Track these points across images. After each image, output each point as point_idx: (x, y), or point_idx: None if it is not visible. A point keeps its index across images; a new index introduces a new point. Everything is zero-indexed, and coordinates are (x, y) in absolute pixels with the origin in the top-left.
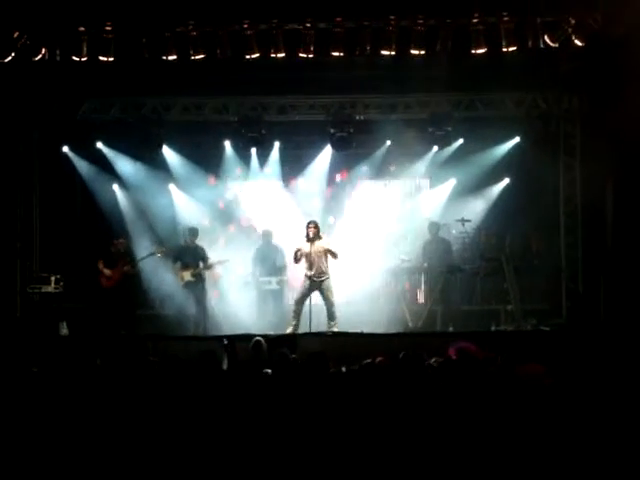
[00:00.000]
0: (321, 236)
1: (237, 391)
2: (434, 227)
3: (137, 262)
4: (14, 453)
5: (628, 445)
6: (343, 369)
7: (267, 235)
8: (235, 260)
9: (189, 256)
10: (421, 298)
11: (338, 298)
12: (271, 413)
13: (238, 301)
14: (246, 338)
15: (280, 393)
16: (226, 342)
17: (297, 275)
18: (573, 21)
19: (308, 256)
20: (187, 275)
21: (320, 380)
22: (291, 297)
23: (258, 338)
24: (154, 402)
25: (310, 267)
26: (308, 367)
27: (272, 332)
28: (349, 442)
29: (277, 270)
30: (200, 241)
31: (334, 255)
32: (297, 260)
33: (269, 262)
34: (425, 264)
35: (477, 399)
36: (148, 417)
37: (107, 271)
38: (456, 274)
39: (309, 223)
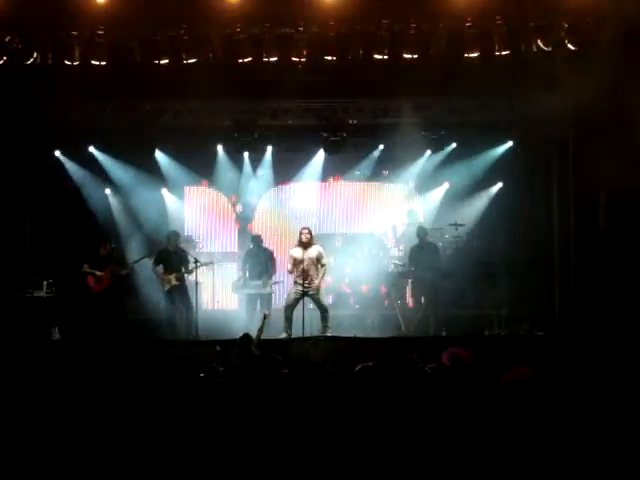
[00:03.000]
0: (314, 242)
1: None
2: (422, 232)
3: (131, 264)
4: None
5: (620, 448)
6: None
7: (257, 239)
8: (226, 263)
9: (172, 260)
10: (413, 303)
11: (331, 302)
12: (268, 418)
13: (228, 305)
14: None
15: (273, 399)
16: (219, 348)
17: (288, 279)
18: (566, 25)
19: (300, 262)
20: (172, 279)
21: (313, 386)
22: (281, 301)
23: (246, 332)
24: (150, 408)
25: (301, 273)
26: (300, 373)
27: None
28: (343, 448)
29: (267, 274)
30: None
31: (322, 266)
32: (292, 271)
33: (259, 266)
34: (412, 268)
35: (470, 405)
36: (142, 424)
37: (98, 273)
38: (447, 279)
39: (303, 229)
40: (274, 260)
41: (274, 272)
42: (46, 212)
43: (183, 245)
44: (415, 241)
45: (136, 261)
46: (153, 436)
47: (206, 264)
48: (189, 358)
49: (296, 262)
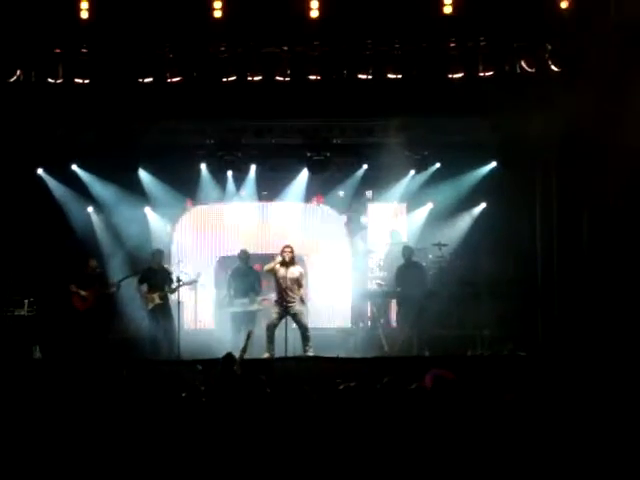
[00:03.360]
0: (295, 262)
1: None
2: (407, 251)
3: (116, 283)
4: None
5: (604, 468)
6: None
7: (244, 256)
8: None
9: (156, 278)
10: (397, 322)
11: (313, 322)
12: (251, 437)
13: (212, 323)
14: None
15: (256, 418)
16: (200, 368)
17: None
18: (550, 47)
19: (283, 280)
20: (155, 298)
21: (297, 406)
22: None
23: (229, 352)
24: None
25: (282, 292)
26: (283, 394)
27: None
28: (325, 467)
29: (254, 292)
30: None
31: (300, 286)
32: (269, 267)
33: (245, 284)
34: (399, 289)
35: (453, 425)
36: (124, 443)
37: (83, 292)
38: (431, 299)
39: (285, 247)
40: (261, 279)
41: (261, 290)
42: (28, 230)
43: (167, 264)
44: (399, 261)
45: (121, 280)
46: (135, 455)
47: (189, 283)
48: (171, 378)
49: (278, 280)
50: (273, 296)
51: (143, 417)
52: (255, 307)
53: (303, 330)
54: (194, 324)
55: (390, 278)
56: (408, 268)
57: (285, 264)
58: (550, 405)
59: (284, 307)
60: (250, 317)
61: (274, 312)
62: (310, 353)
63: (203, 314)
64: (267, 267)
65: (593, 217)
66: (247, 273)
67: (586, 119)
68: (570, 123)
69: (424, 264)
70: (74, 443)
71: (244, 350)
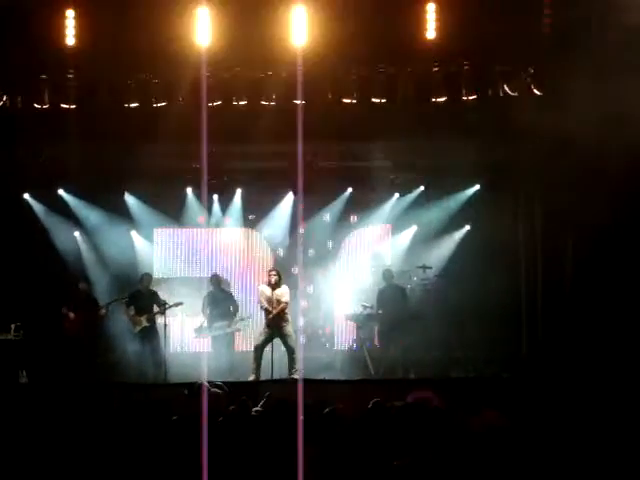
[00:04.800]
0: (281, 285)
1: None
2: (388, 274)
3: (105, 306)
4: None
5: None
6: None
7: (216, 281)
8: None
9: (143, 301)
10: (380, 345)
11: (299, 344)
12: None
13: (193, 347)
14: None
15: (242, 440)
16: (186, 392)
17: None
18: (532, 70)
19: (270, 303)
20: (143, 320)
21: (285, 429)
22: (245, 342)
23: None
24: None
25: (270, 314)
26: (272, 416)
27: (231, 378)
28: None
29: (230, 314)
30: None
31: (280, 302)
32: (262, 306)
33: (221, 307)
34: (380, 311)
35: (431, 447)
36: (111, 468)
37: (72, 314)
38: (414, 321)
39: (270, 271)
40: (234, 300)
41: (237, 310)
42: (14, 254)
43: (154, 287)
44: (381, 284)
45: (109, 303)
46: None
47: (176, 305)
48: (158, 401)
49: (267, 303)
50: (248, 315)
51: (132, 442)
52: (233, 328)
53: (290, 352)
54: (181, 347)
55: (373, 300)
56: (389, 290)
57: (272, 287)
58: (535, 425)
59: (272, 329)
60: (229, 339)
61: (262, 334)
62: (296, 376)
63: (190, 336)
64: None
65: (577, 239)
66: (221, 297)
67: (569, 144)
68: (553, 146)
69: (408, 287)
70: (61, 468)
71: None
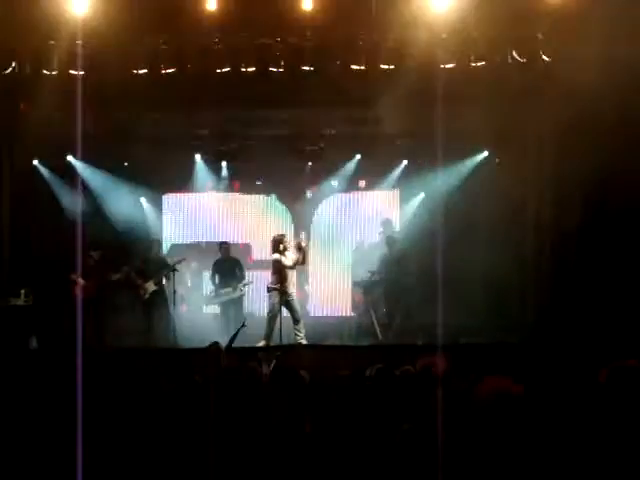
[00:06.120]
0: (289, 249)
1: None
2: (391, 241)
3: (125, 270)
4: None
5: (604, 455)
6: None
7: (224, 249)
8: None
9: (151, 267)
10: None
11: (309, 309)
12: (248, 427)
13: (203, 315)
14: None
15: (252, 407)
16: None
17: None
18: (541, 36)
19: (283, 267)
20: (151, 285)
21: (292, 394)
22: (253, 303)
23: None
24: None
25: (281, 280)
26: (279, 381)
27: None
28: (325, 456)
29: (236, 279)
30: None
31: (303, 261)
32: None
33: (227, 274)
34: (384, 277)
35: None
36: (121, 434)
37: (81, 280)
38: (420, 288)
39: (280, 235)
40: (242, 266)
41: (243, 278)
42: (24, 221)
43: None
44: (386, 250)
45: (124, 270)
46: (132, 446)
47: (178, 262)
48: (168, 366)
49: (277, 268)
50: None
51: (142, 407)
52: (238, 293)
53: (295, 318)
54: (189, 315)
55: (380, 267)
56: (393, 257)
57: (281, 252)
58: (541, 393)
59: (283, 294)
60: (237, 302)
61: (275, 301)
62: (303, 342)
63: (196, 306)
64: (277, 259)
65: (586, 199)
66: (229, 264)
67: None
68: (563, 110)
69: (412, 253)
70: (72, 434)
71: (233, 338)
